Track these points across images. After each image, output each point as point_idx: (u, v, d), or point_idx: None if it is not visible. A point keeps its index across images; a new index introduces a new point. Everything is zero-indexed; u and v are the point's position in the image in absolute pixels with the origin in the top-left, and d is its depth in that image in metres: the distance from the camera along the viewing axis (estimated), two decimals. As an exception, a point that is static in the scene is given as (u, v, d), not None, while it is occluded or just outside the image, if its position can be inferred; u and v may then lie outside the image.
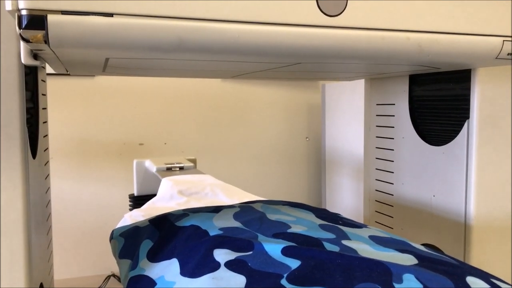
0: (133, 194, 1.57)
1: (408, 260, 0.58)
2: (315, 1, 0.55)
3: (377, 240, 0.66)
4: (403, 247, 0.63)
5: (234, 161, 2.25)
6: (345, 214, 1.90)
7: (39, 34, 0.48)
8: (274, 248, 0.60)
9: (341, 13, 0.56)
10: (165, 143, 2.17)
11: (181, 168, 1.54)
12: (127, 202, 1.60)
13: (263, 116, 2.29)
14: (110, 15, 0.49)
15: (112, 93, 2.03)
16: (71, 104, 1.95)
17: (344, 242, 0.64)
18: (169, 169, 1.51)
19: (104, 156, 2.05)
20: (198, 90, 2.17)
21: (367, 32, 0.58)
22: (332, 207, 2.06)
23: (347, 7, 0.56)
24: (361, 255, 0.58)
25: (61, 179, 1.96)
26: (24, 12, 0.47)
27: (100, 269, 2.02)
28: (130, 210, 1.56)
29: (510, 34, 0.65)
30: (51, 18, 0.48)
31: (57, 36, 0.49)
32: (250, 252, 0.60)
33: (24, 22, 0.47)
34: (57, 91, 1.89)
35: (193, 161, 1.67)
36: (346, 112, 1.84)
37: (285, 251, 0.59)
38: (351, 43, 0.57)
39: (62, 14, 0.48)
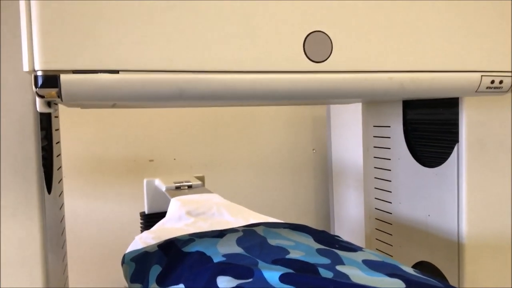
0: (144, 212, 1.62)
1: (397, 284, 0.62)
2: (302, 50, 0.60)
3: (369, 265, 0.70)
4: (393, 271, 0.67)
5: (242, 174, 2.29)
6: (352, 226, 1.94)
7: (53, 91, 0.54)
8: (272, 275, 0.64)
9: (326, 59, 0.61)
10: (174, 159, 2.22)
11: (189, 187, 1.58)
12: (137, 219, 1.65)
13: (269, 129, 2.32)
14: (116, 71, 0.55)
15: (121, 110, 2.08)
16: (81, 122, 2.00)
17: (338, 267, 0.68)
18: (178, 188, 1.56)
19: (114, 173, 2.10)
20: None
21: (352, 74, 0.62)
22: (339, 219, 2.10)
23: (332, 53, 0.61)
24: (352, 281, 0.63)
25: (72, 198, 2.00)
26: (39, 73, 0.53)
27: (112, 285, 2.06)
28: (141, 228, 1.62)
29: (487, 69, 0.69)
30: (63, 77, 0.53)
31: (69, 93, 0.54)
32: (250, 279, 0.65)
33: (40, 82, 0.53)
34: (66, 110, 1.95)
35: (201, 178, 1.72)
36: (349, 127, 1.89)
37: (283, 278, 0.63)
38: (337, 85, 0.62)
39: (73, 73, 0.54)
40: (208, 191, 1.49)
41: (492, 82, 0.70)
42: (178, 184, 1.57)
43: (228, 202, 1.34)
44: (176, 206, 1.30)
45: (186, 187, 1.58)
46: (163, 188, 1.54)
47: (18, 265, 0.66)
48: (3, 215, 0.65)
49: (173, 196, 1.40)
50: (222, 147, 2.25)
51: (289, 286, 0.61)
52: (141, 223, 1.63)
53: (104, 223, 2.06)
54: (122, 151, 2.11)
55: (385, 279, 0.64)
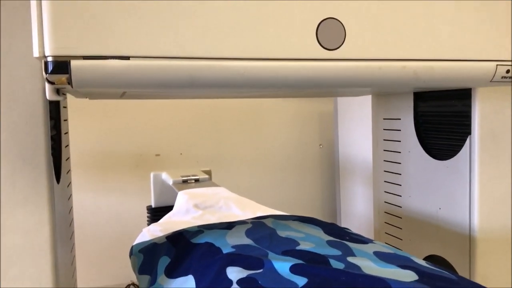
0: (151, 205, 1.62)
1: (409, 276, 0.61)
2: (315, 37, 0.59)
3: (381, 256, 0.69)
4: (405, 263, 0.66)
5: (248, 169, 2.29)
6: (359, 222, 1.93)
7: (63, 77, 0.53)
8: (282, 266, 0.64)
9: (339, 46, 0.60)
10: (181, 153, 2.22)
11: (196, 181, 1.58)
12: (144, 212, 1.65)
13: (275, 124, 2.32)
14: (127, 58, 0.54)
15: (128, 105, 2.08)
16: (88, 116, 2.01)
17: (349, 259, 0.67)
18: (185, 181, 1.55)
19: (121, 167, 2.10)
20: (211, 100, 2.21)
21: (365, 63, 0.61)
22: (346, 215, 2.09)
23: (345, 41, 0.60)
24: (364, 272, 0.62)
25: (79, 191, 2.01)
26: (49, 59, 0.52)
27: (119, 278, 2.07)
28: (148, 221, 1.62)
29: (502, 58, 0.68)
30: (74, 63, 0.53)
31: (80, 79, 0.54)
32: (261, 270, 0.64)
33: (50, 68, 0.53)
34: (73, 104, 1.95)
35: (208, 172, 1.72)
36: (357, 121, 1.87)
37: (293, 269, 0.63)
38: (350, 73, 0.61)
39: (83, 59, 0.53)
40: (215, 185, 1.49)
41: (508, 71, 0.69)
42: (185, 178, 1.57)
43: (235, 195, 1.34)
44: (183, 199, 1.29)
45: (193, 181, 1.57)
46: (170, 182, 1.54)
47: (27, 254, 0.66)
48: (13, 203, 0.65)
49: (180, 189, 1.40)
50: (228, 142, 2.25)
51: (300, 277, 0.60)
52: (147, 216, 1.63)
53: (111, 217, 2.07)
54: (129, 146, 2.11)
55: (397, 270, 0.63)
